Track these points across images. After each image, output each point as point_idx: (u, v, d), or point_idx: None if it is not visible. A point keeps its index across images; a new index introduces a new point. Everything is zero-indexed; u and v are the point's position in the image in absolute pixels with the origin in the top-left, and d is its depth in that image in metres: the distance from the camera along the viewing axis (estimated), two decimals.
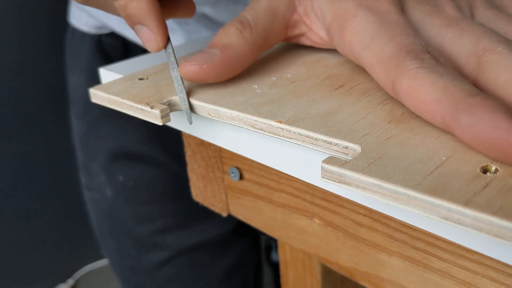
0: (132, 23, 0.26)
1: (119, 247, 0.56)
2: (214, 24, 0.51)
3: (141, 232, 0.55)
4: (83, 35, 0.53)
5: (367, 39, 0.23)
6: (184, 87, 0.26)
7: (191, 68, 0.25)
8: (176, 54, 0.28)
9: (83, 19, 0.53)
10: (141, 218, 0.54)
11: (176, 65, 0.27)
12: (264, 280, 0.68)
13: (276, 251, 0.81)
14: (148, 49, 0.27)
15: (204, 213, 0.54)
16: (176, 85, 0.26)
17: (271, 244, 0.86)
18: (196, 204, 0.40)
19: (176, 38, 0.50)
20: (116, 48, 0.53)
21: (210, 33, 0.50)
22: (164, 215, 0.54)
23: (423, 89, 0.19)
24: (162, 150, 0.53)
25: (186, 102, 0.26)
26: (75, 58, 0.54)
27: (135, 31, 0.26)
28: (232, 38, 0.26)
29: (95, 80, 0.51)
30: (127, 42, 0.53)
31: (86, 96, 0.51)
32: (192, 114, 0.26)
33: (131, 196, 0.54)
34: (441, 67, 0.20)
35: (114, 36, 0.53)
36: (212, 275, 0.57)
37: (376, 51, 0.22)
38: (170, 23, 0.50)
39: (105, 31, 0.53)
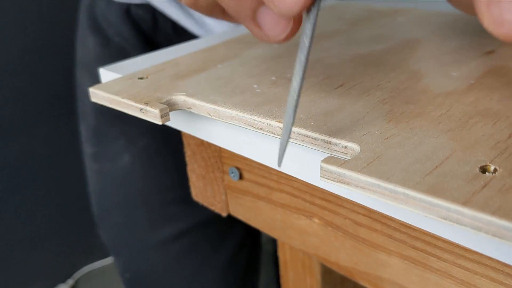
0: None
1: (129, 220, 0.53)
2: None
3: (159, 201, 0.51)
4: (109, 1, 0.50)
5: None
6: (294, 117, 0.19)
7: None
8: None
9: None
10: (161, 186, 0.51)
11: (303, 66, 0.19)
12: (263, 258, 0.66)
13: None
14: (273, 38, 0.19)
15: None
16: (290, 100, 0.20)
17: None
18: None
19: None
20: (146, 20, 0.50)
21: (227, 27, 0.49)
22: (186, 184, 0.52)
23: None
24: None
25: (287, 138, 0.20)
26: (94, 21, 0.51)
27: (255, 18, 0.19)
28: None
29: (119, 47, 0.49)
30: (157, 15, 0.50)
31: (103, 59, 0.49)
32: (191, 113, 0.25)
33: (154, 161, 0.51)
34: None
35: (144, 7, 0.50)
36: (223, 252, 0.55)
37: None
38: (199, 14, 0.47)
39: (134, 0, 0.50)
